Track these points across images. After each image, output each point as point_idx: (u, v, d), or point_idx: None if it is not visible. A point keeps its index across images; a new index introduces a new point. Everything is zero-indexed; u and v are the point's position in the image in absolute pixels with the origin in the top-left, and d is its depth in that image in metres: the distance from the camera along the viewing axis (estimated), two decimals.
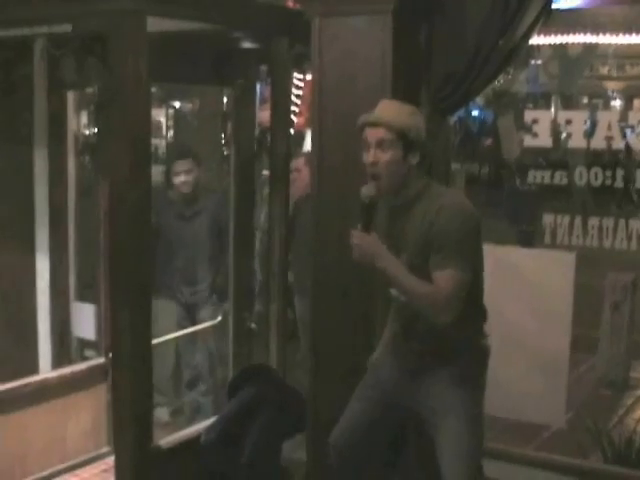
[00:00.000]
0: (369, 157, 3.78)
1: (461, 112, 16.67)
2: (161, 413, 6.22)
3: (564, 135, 4.68)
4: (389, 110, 3.81)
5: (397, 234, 3.83)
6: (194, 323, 6.36)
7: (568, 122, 4.61)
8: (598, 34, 6.36)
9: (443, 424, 3.78)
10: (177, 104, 20.31)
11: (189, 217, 6.43)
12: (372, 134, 3.77)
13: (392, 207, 3.88)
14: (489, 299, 4.34)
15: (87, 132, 14.92)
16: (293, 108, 9.49)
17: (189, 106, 14.29)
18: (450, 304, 3.61)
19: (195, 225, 6.41)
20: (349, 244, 3.73)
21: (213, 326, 6.22)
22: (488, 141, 17.22)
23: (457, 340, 3.77)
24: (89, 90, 6.20)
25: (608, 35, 6.83)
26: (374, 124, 3.78)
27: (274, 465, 4.49)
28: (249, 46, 5.24)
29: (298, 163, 6.76)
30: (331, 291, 4.60)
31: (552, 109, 5.18)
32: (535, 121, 4.65)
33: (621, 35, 7.59)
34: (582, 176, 4.64)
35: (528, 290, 4.58)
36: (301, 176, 6.62)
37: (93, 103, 7.20)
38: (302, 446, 4.70)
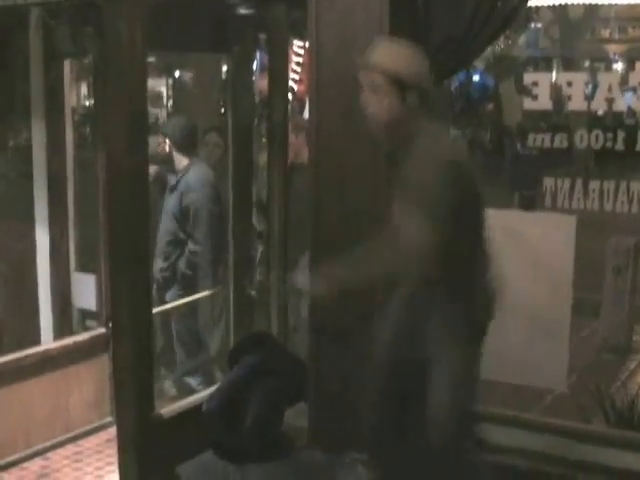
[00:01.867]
0: (362, 100, 3.74)
1: (462, 77, 16.64)
2: (168, 386, 6.21)
3: (564, 97, 4.63)
4: (384, 53, 3.74)
5: (395, 180, 3.77)
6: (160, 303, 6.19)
7: (568, 84, 4.57)
8: None
9: (436, 368, 3.76)
10: (177, 74, 20.24)
11: (171, 189, 6.31)
12: (366, 77, 3.72)
13: (390, 153, 3.84)
14: None
15: (87, 103, 14.87)
16: (294, 75, 9.45)
17: (189, 75, 14.22)
18: (410, 255, 3.52)
19: (172, 199, 6.26)
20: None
21: (209, 296, 6.20)
22: (489, 106, 17.15)
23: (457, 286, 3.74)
24: (87, 60, 6.17)
25: None
26: (369, 67, 3.73)
27: (276, 432, 4.49)
28: (246, 12, 5.21)
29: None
30: (330, 257, 4.57)
31: (553, 72, 5.15)
32: (535, 83, 4.61)
33: None
34: (583, 139, 4.60)
35: (529, 254, 4.56)
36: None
37: (91, 73, 7.15)
38: (304, 413, 4.69)
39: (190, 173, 6.13)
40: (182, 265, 6.10)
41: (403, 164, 3.69)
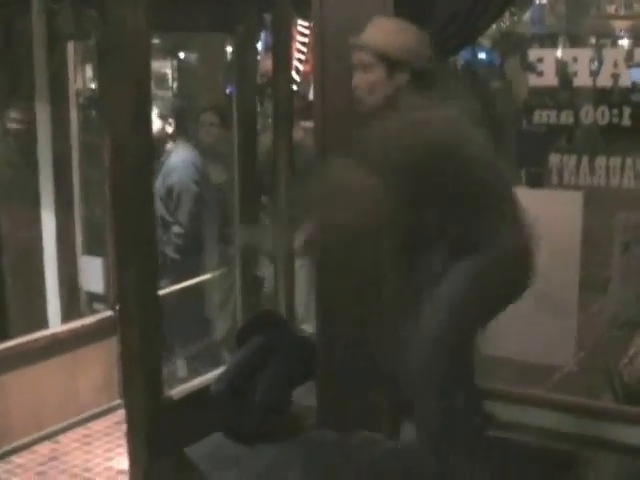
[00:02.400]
0: (353, 81, 3.74)
1: (468, 55, 16.56)
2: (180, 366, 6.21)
3: (570, 73, 4.61)
4: (373, 31, 3.73)
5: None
6: None
7: (574, 60, 4.54)
8: None
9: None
10: (182, 55, 20.18)
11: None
12: (356, 56, 3.73)
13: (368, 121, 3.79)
14: None
15: (92, 86, 14.82)
16: (299, 55, 9.43)
17: (194, 56, 14.18)
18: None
19: (157, 181, 6.08)
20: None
21: (218, 276, 6.20)
22: (495, 83, 17.08)
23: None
24: (91, 43, 6.16)
25: None
26: (357, 46, 3.73)
27: (285, 413, 4.50)
28: None
29: None
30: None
31: (559, 49, 5.14)
32: (540, 60, 4.58)
33: None
34: (588, 115, 4.58)
35: (536, 230, 4.55)
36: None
37: (96, 56, 7.14)
38: (312, 392, 4.70)
39: (173, 155, 6.14)
40: (170, 249, 6.09)
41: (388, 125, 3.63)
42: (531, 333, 4.54)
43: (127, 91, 4.14)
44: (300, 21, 9.10)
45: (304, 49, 9.57)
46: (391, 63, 3.65)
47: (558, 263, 4.50)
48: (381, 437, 4.51)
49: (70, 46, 5.74)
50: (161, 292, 4.81)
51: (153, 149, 4.30)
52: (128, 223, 4.24)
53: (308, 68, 9.63)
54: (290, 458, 4.46)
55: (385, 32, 3.72)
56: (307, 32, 9.35)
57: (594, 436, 4.47)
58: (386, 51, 3.64)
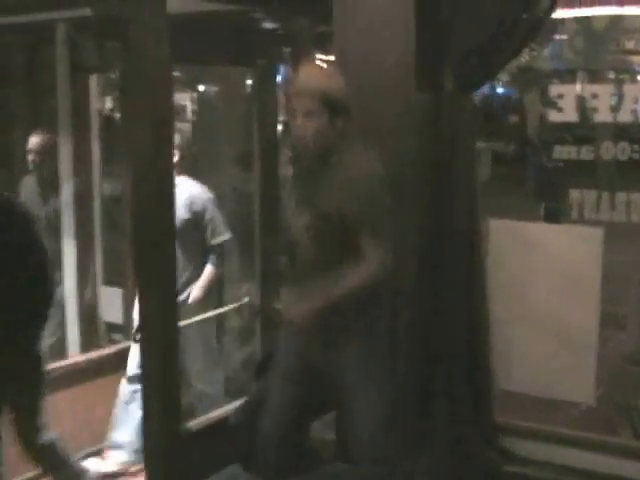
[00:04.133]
0: (296, 128, 3.69)
1: (485, 89, 16.60)
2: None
3: (590, 109, 4.62)
4: (312, 76, 3.72)
5: (309, 197, 3.75)
6: None
7: (594, 96, 4.55)
8: (623, 6, 6.29)
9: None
10: (201, 88, 20.28)
11: None
12: (298, 103, 3.66)
13: (309, 171, 3.79)
14: (517, 276, 4.33)
15: (112, 116, 14.93)
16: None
17: (213, 89, 14.26)
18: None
19: None
20: None
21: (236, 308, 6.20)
22: (513, 118, 17.10)
23: None
24: (113, 75, 6.21)
25: (634, 7, 6.77)
26: (299, 93, 3.68)
27: (302, 445, 4.48)
28: (270, 26, 5.22)
29: None
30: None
31: (578, 84, 5.14)
32: (560, 96, 4.60)
33: None
34: (609, 150, 4.58)
35: (555, 266, 4.54)
36: None
37: (116, 87, 7.20)
38: (331, 426, 4.69)
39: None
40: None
41: (327, 185, 3.68)
42: (550, 369, 4.53)
43: (149, 122, 4.17)
44: (319, 54, 9.13)
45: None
46: (333, 107, 3.63)
47: (578, 299, 4.49)
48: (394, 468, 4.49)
49: (92, 77, 5.79)
50: (181, 323, 4.80)
51: (174, 181, 4.31)
52: (150, 253, 4.25)
53: None
54: None
55: (324, 76, 3.73)
56: (325, 65, 9.39)
57: (612, 473, 4.44)
58: (329, 95, 3.62)
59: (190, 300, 5.47)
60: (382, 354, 3.84)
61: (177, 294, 4.45)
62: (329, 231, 3.66)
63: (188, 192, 5.47)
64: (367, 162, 3.71)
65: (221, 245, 5.66)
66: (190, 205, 5.49)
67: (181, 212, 5.24)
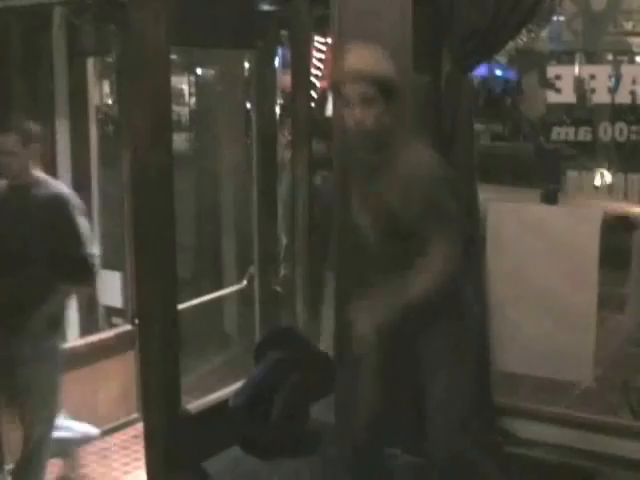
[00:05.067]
0: (353, 116, 3.54)
1: (484, 71, 16.58)
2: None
3: (588, 90, 4.61)
4: (366, 60, 3.55)
5: (375, 193, 3.67)
6: None
7: (592, 77, 4.55)
8: None
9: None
10: (199, 71, 20.25)
11: None
12: (353, 90, 3.51)
13: (372, 164, 3.69)
14: (516, 258, 4.34)
15: (110, 101, 14.91)
16: (316, 72, 9.45)
17: (211, 73, 14.25)
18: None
19: None
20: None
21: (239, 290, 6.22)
22: (512, 100, 17.09)
23: None
24: (110, 59, 6.20)
25: None
26: (355, 78, 3.52)
27: (303, 428, 4.49)
28: (268, 8, 5.21)
29: None
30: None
31: (576, 65, 5.13)
32: (558, 77, 4.59)
33: None
34: (607, 132, 4.58)
35: (554, 248, 4.55)
36: None
37: (115, 72, 7.19)
38: (331, 408, 4.70)
39: None
40: None
41: (390, 179, 3.59)
42: (550, 350, 4.53)
43: (147, 106, 4.16)
44: (317, 37, 9.12)
45: (321, 65, 9.60)
46: (389, 93, 3.52)
47: (576, 280, 4.50)
48: (398, 452, 4.51)
49: (90, 61, 5.77)
50: (180, 306, 4.80)
51: (173, 163, 4.30)
52: (148, 237, 4.25)
53: (325, 84, 9.66)
54: (307, 473, 4.46)
55: (378, 60, 3.57)
56: (324, 48, 9.38)
57: (611, 453, 4.46)
58: (385, 80, 3.51)
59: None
60: (462, 343, 3.81)
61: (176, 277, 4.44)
62: (394, 230, 3.61)
63: (49, 192, 4.60)
64: (428, 158, 3.63)
65: (85, 258, 4.61)
66: (49, 208, 4.56)
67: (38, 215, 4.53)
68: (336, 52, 4.58)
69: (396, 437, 4.39)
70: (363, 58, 3.58)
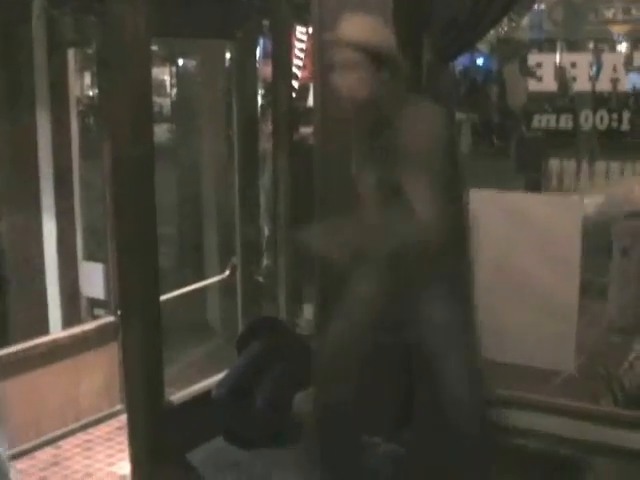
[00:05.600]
0: (336, 81, 3.62)
1: (466, 61, 16.59)
2: None
3: (569, 78, 4.63)
4: (352, 27, 3.60)
5: (378, 154, 3.68)
6: None
7: (573, 65, 4.56)
8: None
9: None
10: (180, 62, 20.19)
11: None
12: (338, 54, 3.59)
13: (372, 126, 3.71)
14: (498, 245, 4.35)
15: (90, 93, 14.86)
16: (296, 62, 9.45)
17: (192, 63, 14.23)
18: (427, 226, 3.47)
19: None
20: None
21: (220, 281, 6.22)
22: (493, 89, 17.11)
23: None
24: (90, 51, 6.17)
25: None
26: (337, 43, 3.59)
27: (285, 417, 4.50)
28: None
29: None
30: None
31: (556, 54, 5.15)
32: (539, 65, 4.60)
33: None
34: (588, 119, 4.60)
35: (536, 235, 4.56)
36: None
37: (95, 63, 7.17)
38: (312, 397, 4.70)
39: None
40: None
41: (395, 136, 3.57)
42: (532, 338, 4.55)
43: (128, 97, 4.15)
44: (298, 27, 9.11)
45: (302, 55, 9.60)
46: (376, 60, 3.54)
47: (559, 268, 4.51)
48: (379, 440, 4.52)
49: (70, 53, 5.75)
50: (162, 297, 4.79)
51: (154, 154, 4.29)
52: (129, 228, 4.24)
53: (306, 74, 9.65)
54: (290, 463, 4.47)
55: (364, 28, 3.59)
56: (305, 38, 9.37)
57: (594, 440, 4.47)
58: (370, 47, 3.52)
59: None
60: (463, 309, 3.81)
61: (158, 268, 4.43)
62: (391, 199, 3.59)
63: None
64: (431, 113, 3.62)
65: None
66: None
67: None
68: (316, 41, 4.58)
69: (376, 425, 4.39)
70: (350, 25, 3.62)
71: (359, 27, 3.60)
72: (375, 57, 3.53)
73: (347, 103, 3.68)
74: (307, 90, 9.60)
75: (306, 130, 6.53)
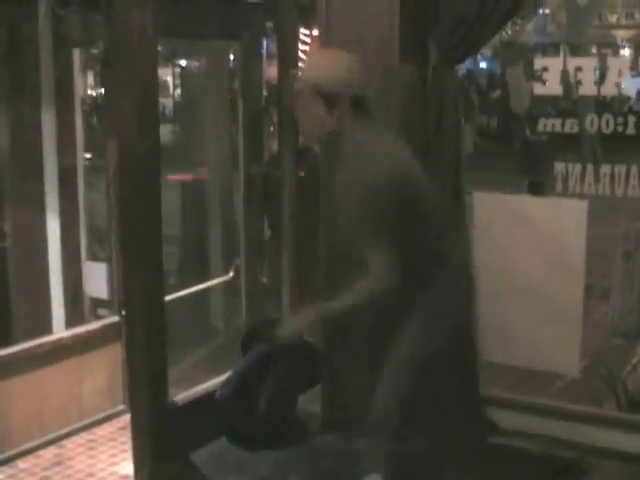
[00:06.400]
0: (296, 116, 3.73)
1: (470, 64, 16.60)
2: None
3: (574, 82, 4.63)
4: (307, 64, 3.78)
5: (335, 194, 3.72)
6: None
7: (578, 69, 4.56)
8: None
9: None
10: (183, 63, 20.23)
11: None
12: (295, 90, 3.66)
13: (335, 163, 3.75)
14: (502, 249, 4.34)
15: (94, 93, 14.90)
16: (300, 63, 9.45)
17: (196, 64, 14.24)
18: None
19: None
20: None
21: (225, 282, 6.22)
22: (497, 93, 17.15)
23: None
24: (95, 50, 6.17)
25: None
26: (294, 81, 3.75)
27: (289, 418, 4.50)
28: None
29: None
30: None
31: (561, 58, 5.15)
32: (545, 69, 4.60)
33: None
34: (593, 123, 4.60)
35: (540, 239, 4.56)
36: None
37: (100, 62, 7.17)
38: (317, 398, 4.71)
39: None
40: None
41: (340, 181, 3.60)
42: (536, 341, 4.55)
43: (134, 97, 4.15)
44: (302, 29, 9.11)
45: (305, 57, 9.60)
46: (327, 96, 3.54)
47: (562, 271, 4.51)
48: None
49: (75, 52, 5.75)
50: (167, 298, 4.79)
51: (160, 154, 4.30)
52: (134, 229, 4.25)
53: None
54: (293, 463, 4.47)
55: (318, 65, 3.67)
56: (308, 40, 9.37)
57: (596, 444, 4.48)
58: (320, 85, 3.54)
59: None
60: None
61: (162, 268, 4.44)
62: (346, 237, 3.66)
63: None
64: (373, 162, 3.52)
65: None
66: None
67: None
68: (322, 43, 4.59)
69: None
70: (306, 64, 3.81)
71: (315, 65, 3.71)
72: (323, 95, 3.54)
73: (306, 135, 3.83)
74: None
75: None
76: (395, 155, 3.59)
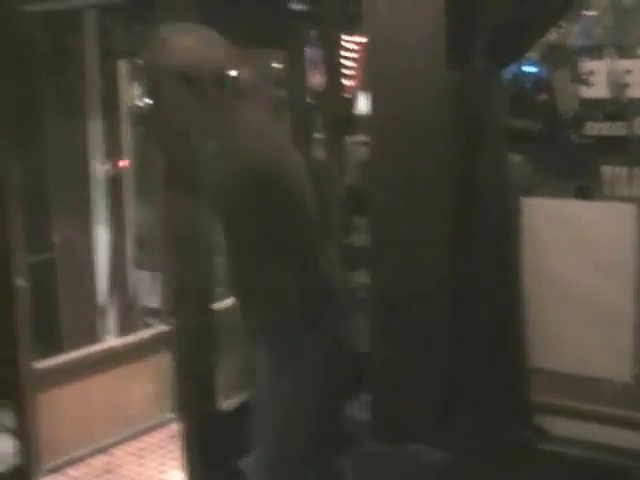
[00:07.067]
0: (147, 103, 3.23)
1: (515, 68, 16.54)
2: None
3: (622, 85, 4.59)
4: (163, 47, 3.08)
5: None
6: None
7: (627, 72, 4.53)
8: None
9: None
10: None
11: None
12: (148, 77, 3.22)
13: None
14: (550, 253, 4.31)
15: (141, 103, 14.99)
16: (345, 71, 9.44)
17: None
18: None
19: None
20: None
21: None
22: (543, 96, 17.07)
23: None
24: (140, 61, 6.21)
25: None
26: (147, 67, 3.19)
27: (336, 425, 4.49)
28: (299, 7, 5.22)
29: None
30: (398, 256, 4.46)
31: (608, 60, 5.10)
32: (591, 72, 4.58)
33: None
34: None
35: (589, 243, 4.53)
36: None
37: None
38: (366, 406, 4.70)
39: None
40: None
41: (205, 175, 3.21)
42: (586, 347, 4.51)
43: None
44: (346, 36, 9.11)
45: (349, 64, 9.58)
46: (185, 80, 3.05)
47: (612, 276, 4.47)
48: (430, 448, 4.50)
49: (121, 63, 5.80)
50: (216, 305, 4.81)
51: None
52: (183, 236, 4.26)
53: (355, 83, 9.64)
54: (342, 471, 4.46)
55: (176, 48, 3.07)
56: (350, 47, 9.36)
57: None
58: (182, 68, 3.04)
59: None
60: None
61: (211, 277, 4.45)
62: None
63: None
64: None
65: None
66: None
67: None
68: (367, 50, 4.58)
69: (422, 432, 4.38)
70: (160, 45, 3.13)
71: (170, 47, 3.09)
72: (183, 79, 3.06)
73: (161, 127, 3.33)
74: (354, 99, 9.60)
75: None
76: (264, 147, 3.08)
